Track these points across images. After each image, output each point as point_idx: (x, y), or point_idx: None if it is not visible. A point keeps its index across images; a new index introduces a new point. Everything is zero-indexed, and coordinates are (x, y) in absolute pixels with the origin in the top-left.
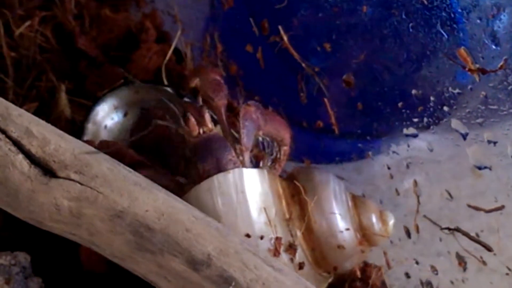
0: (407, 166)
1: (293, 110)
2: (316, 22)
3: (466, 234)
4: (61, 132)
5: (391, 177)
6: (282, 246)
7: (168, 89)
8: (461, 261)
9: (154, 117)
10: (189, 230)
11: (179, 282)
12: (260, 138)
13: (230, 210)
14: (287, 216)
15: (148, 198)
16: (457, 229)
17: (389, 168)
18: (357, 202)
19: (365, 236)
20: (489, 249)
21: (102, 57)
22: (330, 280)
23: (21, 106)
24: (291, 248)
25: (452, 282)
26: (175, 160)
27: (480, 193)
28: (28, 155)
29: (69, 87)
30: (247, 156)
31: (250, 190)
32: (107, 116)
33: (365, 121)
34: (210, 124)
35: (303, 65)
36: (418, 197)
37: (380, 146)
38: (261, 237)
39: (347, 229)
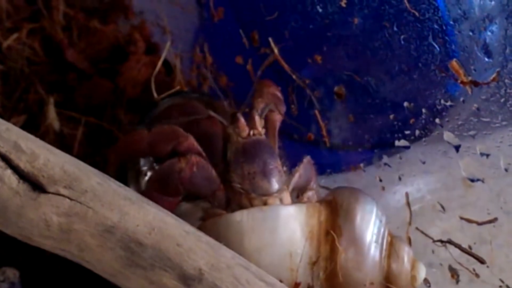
0: (399, 178)
1: (283, 122)
2: (307, 34)
3: (458, 246)
4: (50, 146)
5: (383, 189)
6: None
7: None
8: (454, 273)
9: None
10: (180, 245)
11: None
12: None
13: (255, 250)
14: (314, 259)
15: (139, 213)
16: (450, 241)
17: (380, 180)
18: (391, 250)
19: (389, 286)
20: (481, 261)
21: (90, 69)
22: None
23: (9, 119)
24: None
25: None
26: (214, 161)
27: (472, 205)
28: (16, 170)
29: (57, 99)
30: (294, 180)
31: (281, 232)
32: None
33: (357, 133)
34: (260, 128)
35: (294, 77)
36: (410, 209)
37: (372, 158)
38: (280, 281)
39: (372, 284)
